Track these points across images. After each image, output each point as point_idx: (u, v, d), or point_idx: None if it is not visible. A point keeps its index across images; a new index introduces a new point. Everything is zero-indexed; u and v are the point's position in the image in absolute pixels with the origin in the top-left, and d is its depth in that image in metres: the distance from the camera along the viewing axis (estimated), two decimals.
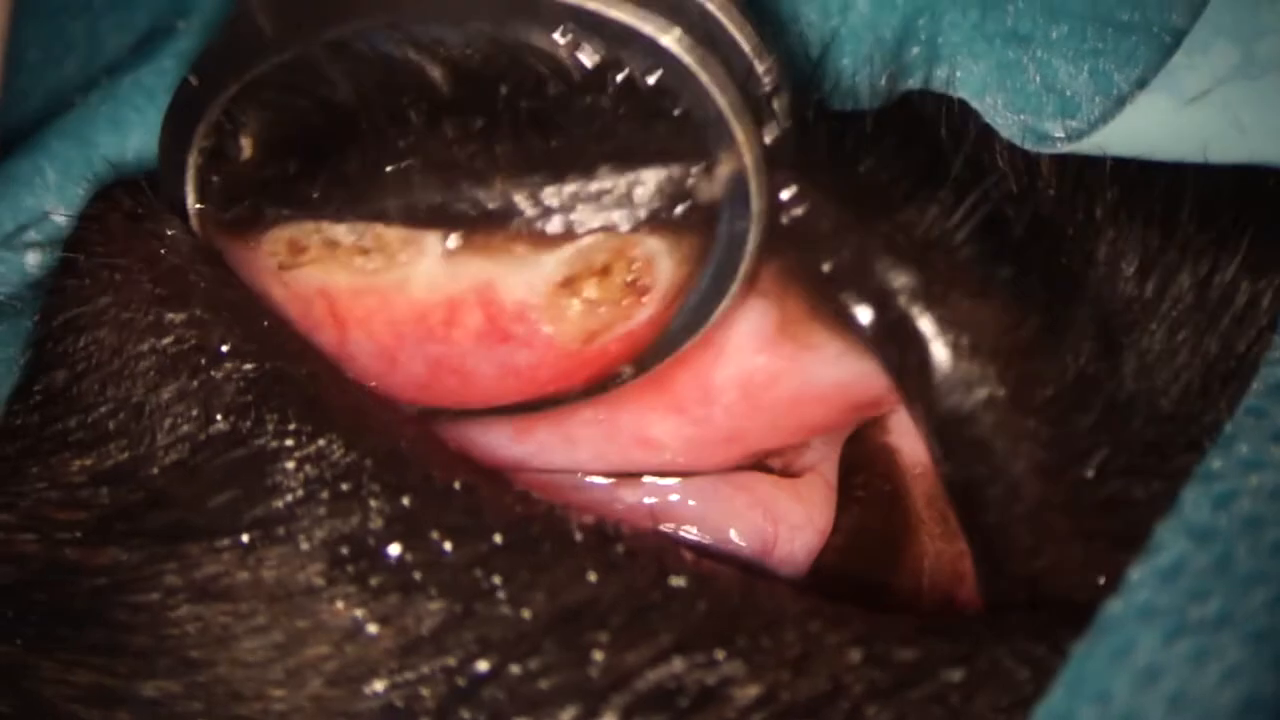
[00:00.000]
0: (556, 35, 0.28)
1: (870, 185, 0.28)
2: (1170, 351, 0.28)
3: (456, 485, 0.27)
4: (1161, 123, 0.28)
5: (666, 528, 0.31)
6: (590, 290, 0.29)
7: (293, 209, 0.29)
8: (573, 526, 0.27)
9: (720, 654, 0.26)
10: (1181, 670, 0.23)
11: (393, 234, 0.29)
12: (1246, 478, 0.25)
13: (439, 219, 0.28)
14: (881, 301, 0.28)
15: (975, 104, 0.30)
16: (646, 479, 0.31)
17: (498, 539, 0.27)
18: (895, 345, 0.28)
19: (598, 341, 0.29)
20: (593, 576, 0.26)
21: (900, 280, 0.28)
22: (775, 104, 0.28)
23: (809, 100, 0.29)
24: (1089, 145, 0.29)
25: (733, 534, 0.31)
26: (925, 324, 0.28)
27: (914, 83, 0.30)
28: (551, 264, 0.28)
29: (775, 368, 0.30)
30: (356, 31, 0.28)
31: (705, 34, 0.28)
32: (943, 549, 0.31)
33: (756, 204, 0.28)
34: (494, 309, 0.29)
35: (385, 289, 0.29)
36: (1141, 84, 0.29)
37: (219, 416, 0.28)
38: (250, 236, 0.29)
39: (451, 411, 0.31)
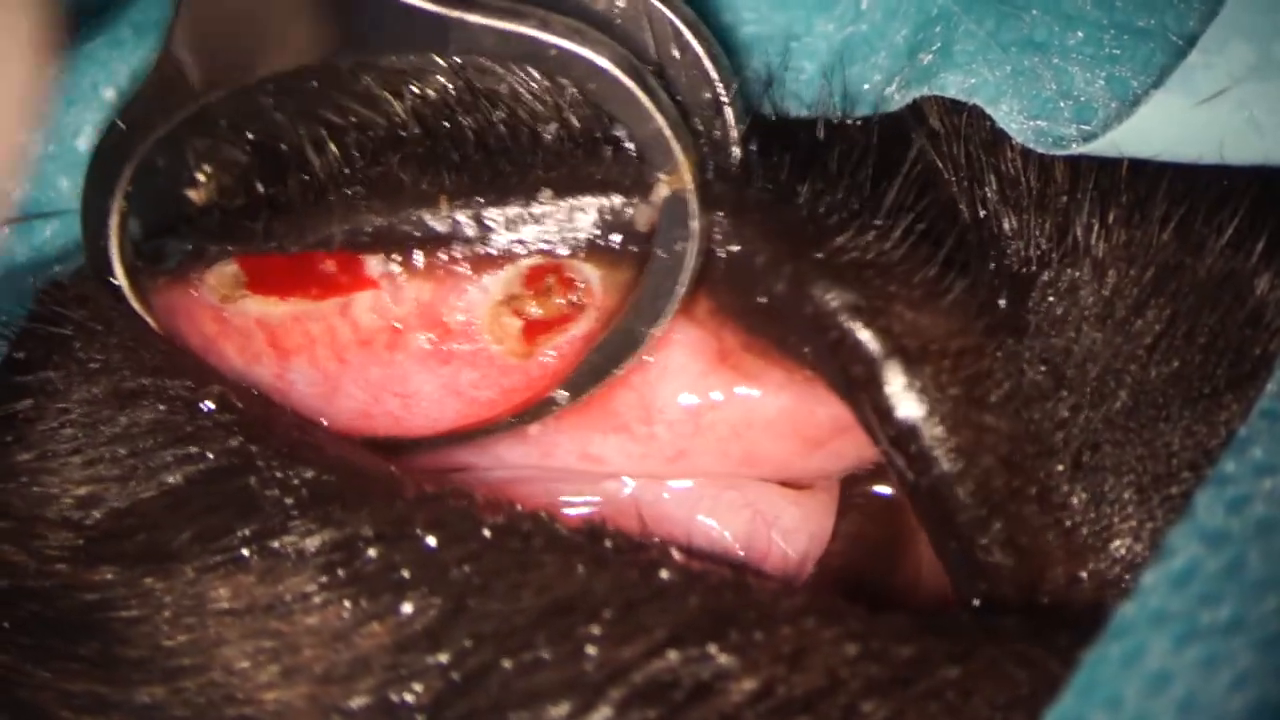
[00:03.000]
0: (499, 65, 0.28)
1: (805, 216, 0.29)
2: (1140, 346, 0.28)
3: (448, 490, 0.28)
4: (1176, 123, 0.28)
5: (654, 525, 0.31)
6: (531, 308, 0.29)
7: (237, 245, 0.29)
8: (561, 524, 0.27)
9: (714, 648, 0.26)
10: (1192, 676, 0.23)
11: (336, 260, 0.29)
12: (1260, 482, 0.24)
13: (383, 242, 0.29)
14: (820, 324, 0.28)
15: (990, 110, 0.30)
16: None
17: (486, 534, 0.27)
18: (839, 363, 0.28)
19: (536, 353, 0.30)
20: (582, 571, 0.27)
21: (838, 300, 0.28)
22: (720, 131, 0.29)
23: (749, 135, 0.30)
24: (1103, 145, 0.29)
25: (725, 534, 0.31)
26: (867, 338, 0.28)
27: (926, 90, 0.30)
28: (494, 284, 0.29)
29: (716, 392, 0.30)
30: (283, 73, 0.29)
31: (658, 62, 0.29)
32: None
33: (696, 222, 0.28)
34: (438, 329, 0.29)
35: (328, 315, 0.29)
36: (1158, 88, 0.29)
37: (210, 455, 0.28)
38: (187, 277, 0.30)
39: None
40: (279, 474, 0.28)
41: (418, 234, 0.29)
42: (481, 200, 0.28)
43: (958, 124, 0.30)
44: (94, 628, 0.28)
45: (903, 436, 0.28)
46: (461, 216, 0.29)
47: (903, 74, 0.30)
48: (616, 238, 0.29)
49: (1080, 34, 0.30)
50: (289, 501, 0.27)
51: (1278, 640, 0.23)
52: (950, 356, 0.28)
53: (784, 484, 0.32)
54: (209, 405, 0.28)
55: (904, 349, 0.28)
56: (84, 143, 0.30)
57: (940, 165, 0.30)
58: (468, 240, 0.29)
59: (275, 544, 0.27)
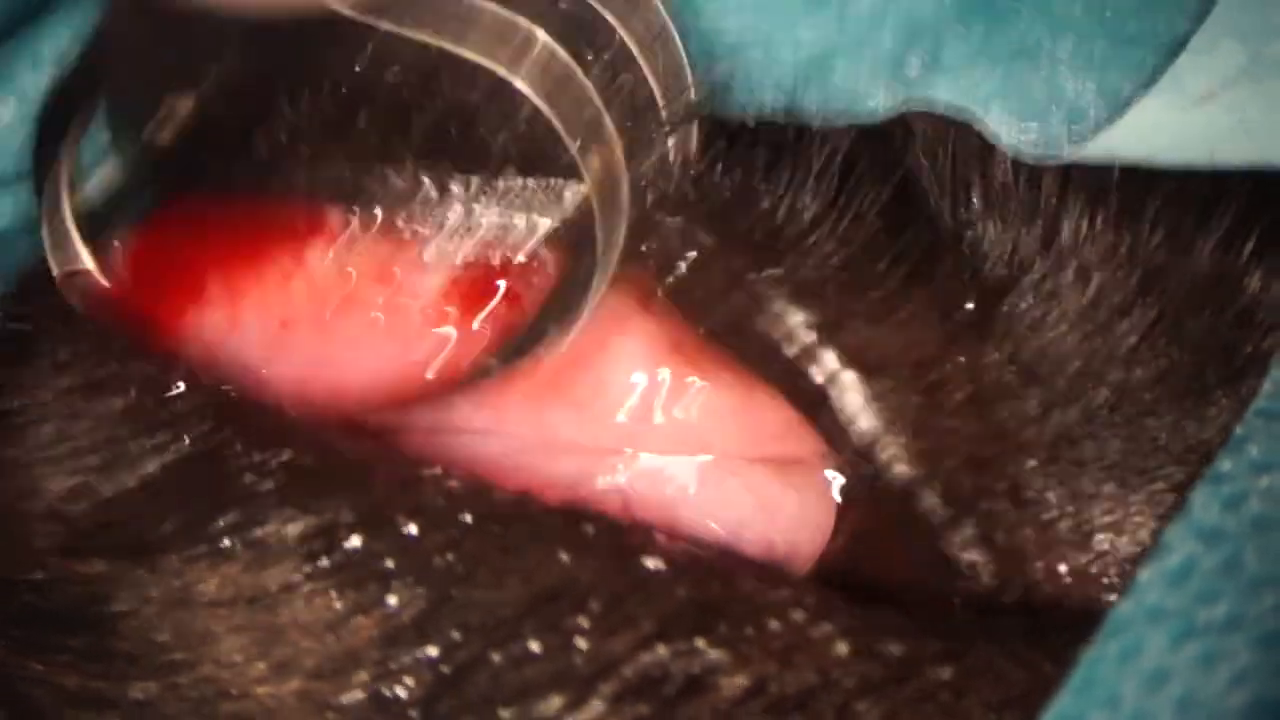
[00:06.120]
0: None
1: (765, 226, 0.29)
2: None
3: (425, 472, 0.27)
4: (1167, 125, 0.28)
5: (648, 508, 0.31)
6: (482, 279, 0.29)
7: (197, 188, 0.29)
8: (542, 507, 0.27)
9: (702, 642, 0.25)
10: (1190, 673, 0.22)
11: (295, 209, 0.29)
12: (1257, 479, 0.24)
13: (346, 196, 0.28)
14: (779, 339, 0.28)
15: (980, 117, 0.30)
16: (643, 459, 0.31)
17: (467, 519, 0.27)
18: (797, 377, 0.28)
19: (475, 322, 0.29)
20: (565, 557, 0.26)
21: (796, 318, 0.28)
22: (671, 141, 0.29)
23: (714, 138, 0.29)
24: (1094, 150, 0.28)
25: (722, 521, 0.31)
26: (826, 355, 0.28)
27: (914, 97, 0.30)
28: (449, 252, 0.29)
29: (666, 379, 0.30)
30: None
31: (609, 65, 0.28)
32: None
33: (599, 235, 0.28)
34: (390, 292, 0.29)
35: (283, 263, 0.29)
36: (1148, 91, 0.29)
37: (185, 440, 0.28)
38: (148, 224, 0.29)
39: None
40: (255, 457, 0.27)
41: (381, 191, 0.28)
42: (448, 167, 0.28)
43: (943, 130, 0.30)
44: (87, 621, 0.27)
45: (865, 448, 0.28)
46: (426, 179, 0.28)
47: (889, 81, 0.30)
48: (561, 220, 0.29)
49: (1071, 39, 0.29)
50: (266, 486, 0.27)
51: (1275, 638, 0.22)
52: (909, 366, 0.28)
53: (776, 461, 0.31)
54: (179, 387, 0.28)
55: (862, 363, 0.28)
56: None
57: (923, 172, 0.29)
58: (428, 205, 0.28)
59: (257, 532, 0.27)
